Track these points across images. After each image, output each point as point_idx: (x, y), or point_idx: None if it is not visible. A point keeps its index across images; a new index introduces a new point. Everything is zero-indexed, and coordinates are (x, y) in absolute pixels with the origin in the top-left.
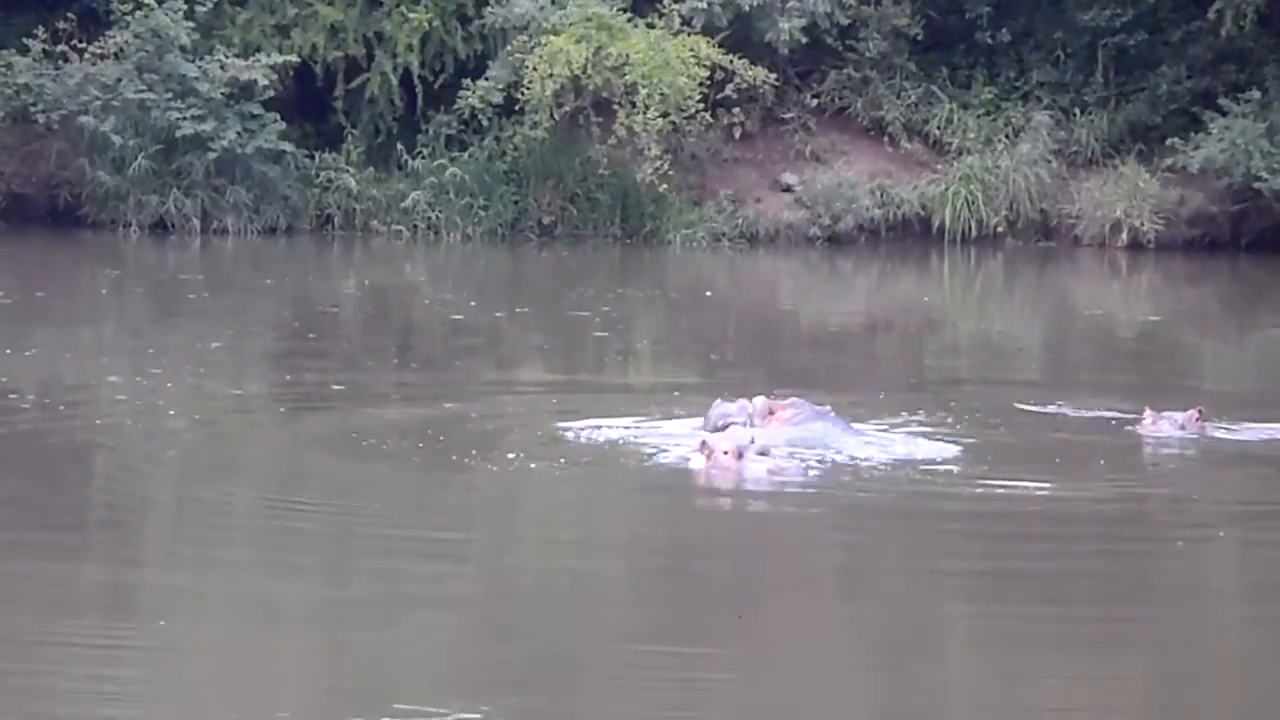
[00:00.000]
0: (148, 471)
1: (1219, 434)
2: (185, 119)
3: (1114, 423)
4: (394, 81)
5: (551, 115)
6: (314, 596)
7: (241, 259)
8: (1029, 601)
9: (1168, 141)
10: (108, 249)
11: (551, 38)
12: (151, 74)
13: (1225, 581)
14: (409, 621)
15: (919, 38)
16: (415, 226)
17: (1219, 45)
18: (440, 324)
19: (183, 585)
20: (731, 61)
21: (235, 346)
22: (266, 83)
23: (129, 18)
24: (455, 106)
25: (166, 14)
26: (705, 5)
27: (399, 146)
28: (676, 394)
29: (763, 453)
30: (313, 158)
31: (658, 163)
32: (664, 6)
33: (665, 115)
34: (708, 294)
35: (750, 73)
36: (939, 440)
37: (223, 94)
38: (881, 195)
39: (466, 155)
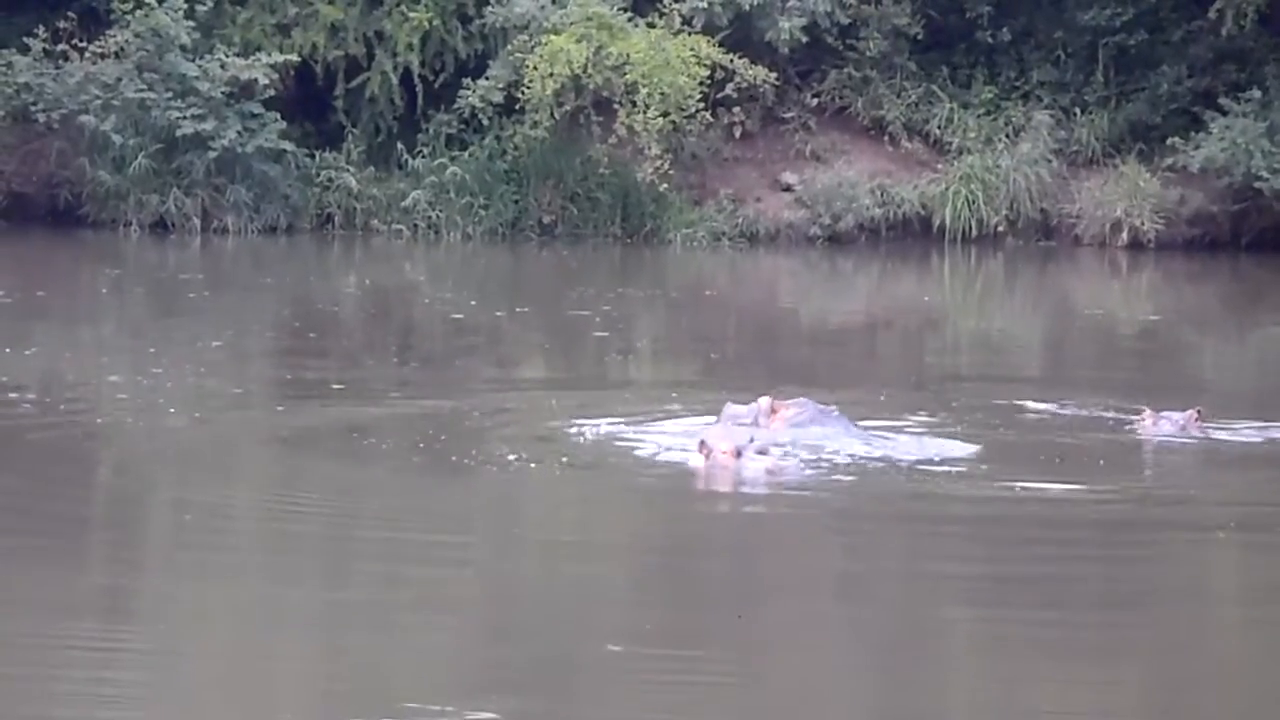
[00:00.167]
0: (148, 471)
1: (1219, 434)
2: (185, 118)
3: (1114, 423)
4: (394, 81)
5: (552, 114)
6: (314, 598)
7: (242, 258)
8: (1028, 604)
9: (1168, 141)
10: (108, 248)
11: (552, 37)
12: (152, 73)
13: (1226, 584)
14: (409, 623)
15: (919, 37)
16: (415, 226)
17: (1219, 45)
18: (440, 323)
19: (183, 587)
20: (732, 61)
21: (235, 345)
22: (267, 82)
23: (129, 17)
24: (455, 106)
25: (167, 13)
26: (705, 5)
27: (399, 146)
28: (675, 395)
29: (761, 452)
30: (313, 157)
31: (658, 162)
32: (664, 6)
33: (665, 114)
34: (709, 293)
35: (750, 72)
36: (939, 440)
37: (223, 93)
38: (882, 195)
39: (467, 154)
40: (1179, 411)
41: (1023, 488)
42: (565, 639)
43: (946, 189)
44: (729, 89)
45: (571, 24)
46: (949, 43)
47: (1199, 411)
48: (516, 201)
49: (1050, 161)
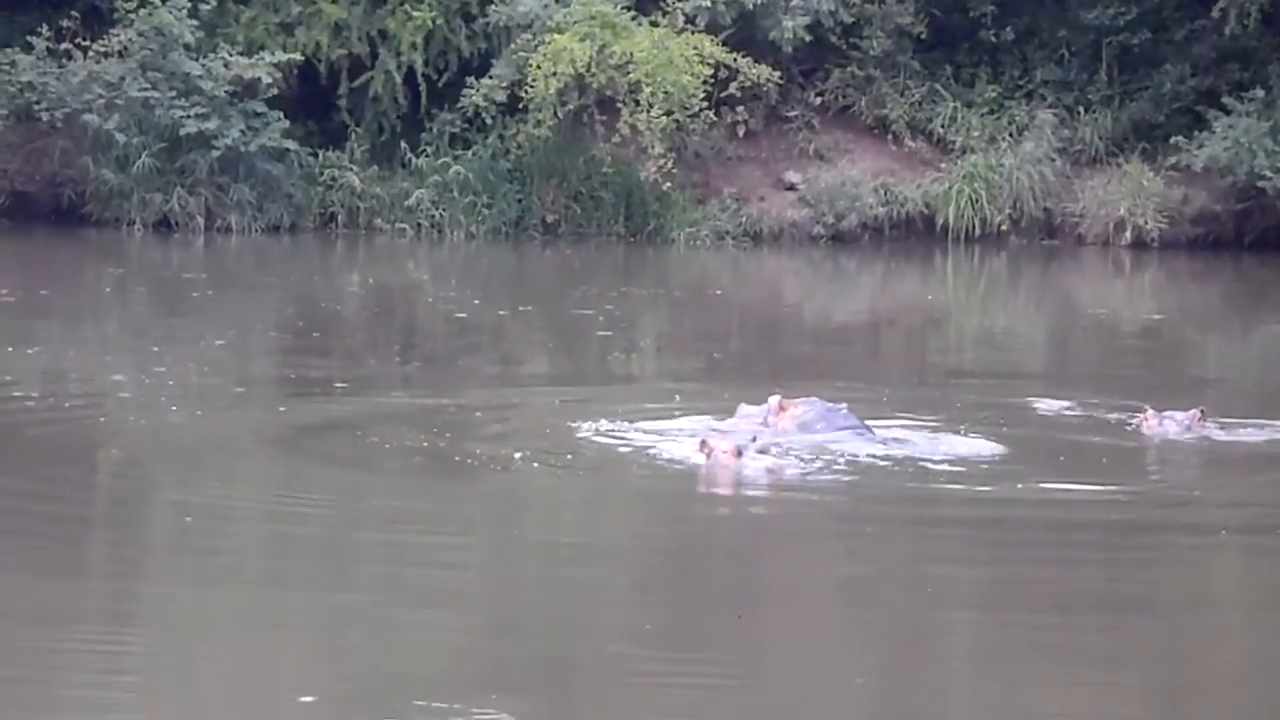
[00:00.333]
0: (150, 470)
1: (1222, 434)
2: (189, 117)
3: (1117, 422)
4: (398, 80)
5: (555, 113)
6: (316, 598)
7: (245, 257)
8: (1030, 606)
9: (1171, 140)
10: (111, 247)
11: (555, 36)
12: (155, 72)
13: (1229, 587)
14: (410, 623)
15: (923, 36)
16: (419, 225)
17: (1223, 44)
18: (444, 322)
19: (184, 587)
20: (735, 60)
21: (238, 344)
22: (270, 81)
23: (133, 16)
24: (459, 105)
25: (170, 12)
26: (709, 3)
27: (403, 145)
28: (678, 395)
29: (763, 451)
30: (316, 156)
31: (661, 161)
32: (668, 5)
33: (669, 113)
34: (716, 292)
35: (754, 71)
36: (942, 439)
37: (226, 92)
38: (885, 193)
39: (470, 153)
40: (1182, 411)
41: (1025, 488)
42: (567, 639)
43: (950, 188)
44: (732, 88)
45: (575, 23)
46: (952, 42)
47: (1202, 411)
48: (520, 200)
49: (1054, 160)
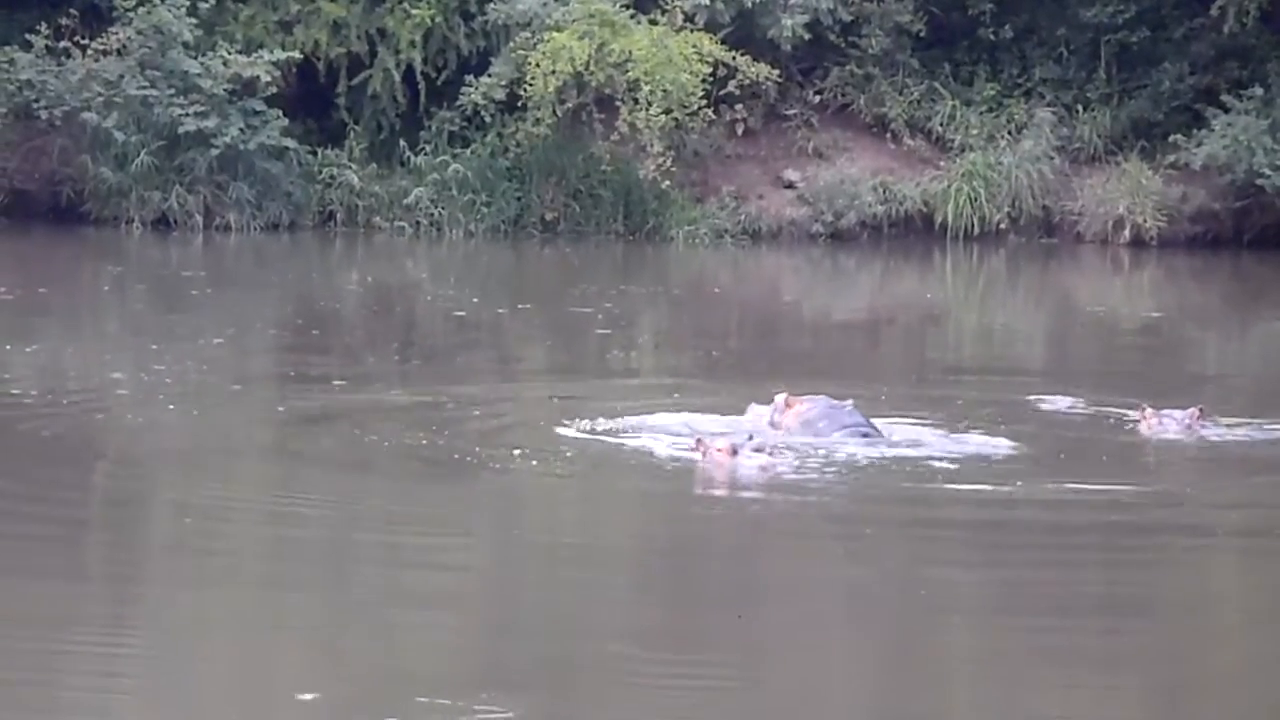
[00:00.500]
0: (148, 469)
1: (1220, 433)
2: (188, 115)
3: (1116, 421)
4: (397, 78)
5: (554, 112)
6: (315, 598)
7: (244, 255)
8: (1028, 607)
9: (1170, 138)
10: (110, 245)
11: (554, 34)
12: (154, 70)
13: (1228, 589)
14: (410, 623)
15: (921, 34)
16: (418, 223)
17: (1221, 42)
18: (443, 320)
19: (182, 587)
20: (734, 58)
21: (237, 342)
22: (269, 79)
23: (132, 14)
24: (458, 103)
25: (169, 10)
26: (708, 2)
27: (401, 143)
28: (676, 393)
29: (758, 450)
30: (315, 154)
31: (660, 159)
32: (667, 3)
33: (668, 112)
34: (715, 290)
35: (753, 69)
36: (941, 438)
37: (225, 90)
38: (884, 192)
39: (469, 152)
40: (1180, 410)
41: (1023, 487)
42: (566, 638)
43: (949, 186)
44: (731, 86)
45: (574, 21)
46: (951, 40)
47: (1200, 410)
48: (519, 199)
49: (1052, 159)
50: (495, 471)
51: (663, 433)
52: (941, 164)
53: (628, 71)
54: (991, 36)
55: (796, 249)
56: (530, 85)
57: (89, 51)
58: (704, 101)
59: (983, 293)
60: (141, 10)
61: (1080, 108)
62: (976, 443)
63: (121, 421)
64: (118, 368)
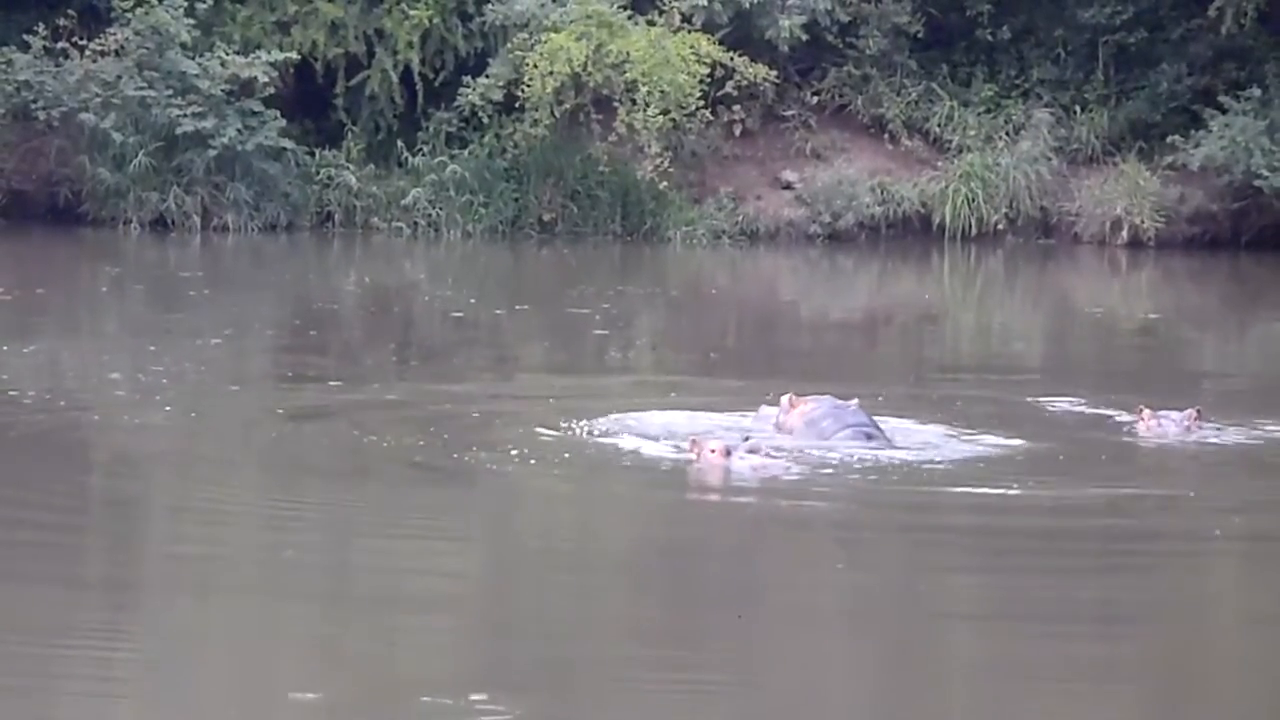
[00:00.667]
0: (144, 470)
1: (1218, 434)
2: (186, 116)
3: (1114, 422)
4: (394, 79)
5: (552, 112)
6: (314, 598)
7: (242, 256)
8: (1025, 612)
9: (1168, 139)
10: (108, 246)
11: (552, 35)
12: (152, 71)
13: (1226, 594)
14: (409, 625)
15: (919, 35)
16: (415, 224)
17: (1219, 43)
18: (440, 321)
19: (179, 588)
20: (732, 59)
21: (235, 343)
22: (267, 80)
23: (129, 15)
24: (456, 104)
25: (167, 11)
26: (706, 2)
27: (399, 144)
28: (673, 394)
29: (753, 451)
30: (313, 155)
31: (658, 160)
32: (664, 4)
33: (665, 112)
34: (713, 291)
35: (750, 70)
36: (938, 439)
37: (223, 91)
38: (882, 193)
39: (467, 152)
40: (1178, 411)
41: (1020, 490)
42: (564, 640)
43: (946, 187)
44: (729, 87)
45: (571, 22)
46: (949, 41)
47: (1198, 411)
48: (516, 199)
49: (1050, 159)
50: (493, 472)
51: (659, 433)
52: (939, 165)
53: (625, 72)
54: (989, 37)
55: (794, 250)
56: (528, 86)
57: (87, 52)
58: (702, 102)
59: (980, 294)
60: (139, 11)
61: (1078, 109)
62: (974, 444)
63: (118, 422)
64: (115, 368)
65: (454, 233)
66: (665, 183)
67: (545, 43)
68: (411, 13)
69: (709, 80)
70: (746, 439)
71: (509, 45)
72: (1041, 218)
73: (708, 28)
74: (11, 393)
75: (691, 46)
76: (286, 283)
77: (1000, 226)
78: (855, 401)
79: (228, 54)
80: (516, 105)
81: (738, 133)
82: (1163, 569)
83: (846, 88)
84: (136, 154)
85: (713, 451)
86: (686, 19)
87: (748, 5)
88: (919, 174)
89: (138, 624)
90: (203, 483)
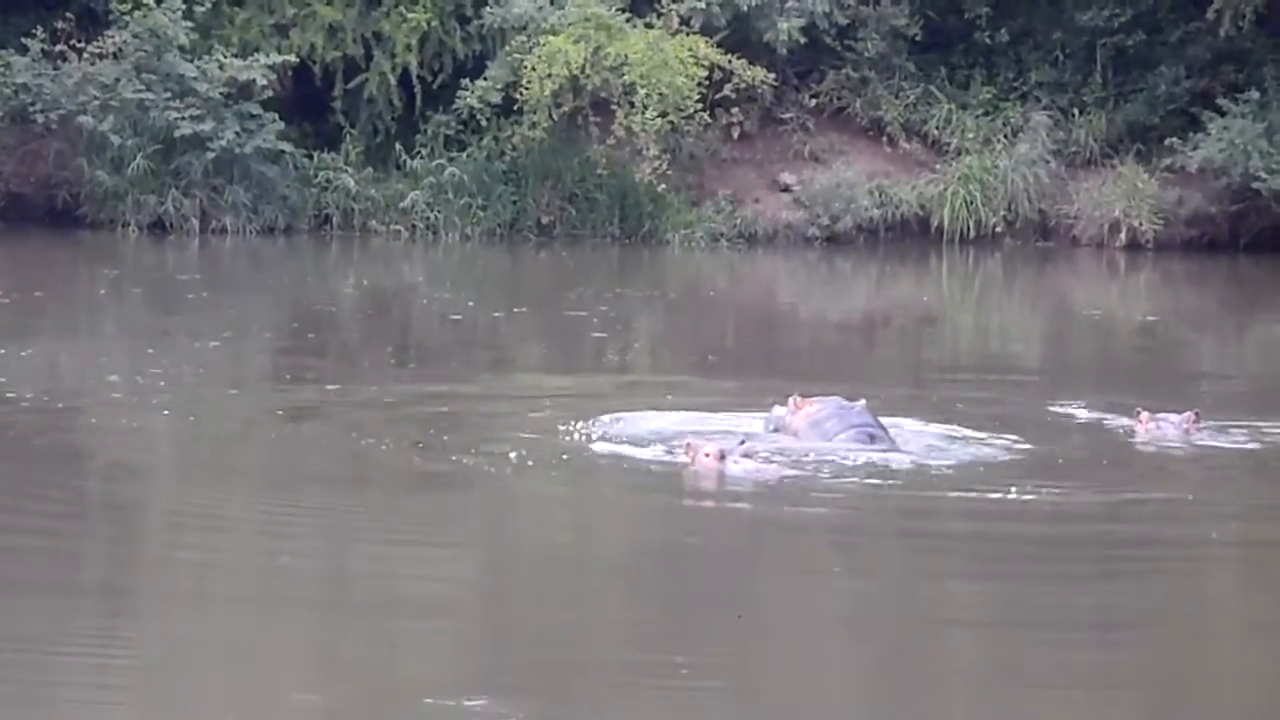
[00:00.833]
0: (143, 473)
1: (1216, 437)
2: (184, 119)
3: (1112, 424)
4: (392, 81)
5: (550, 115)
6: (313, 599)
7: (240, 259)
8: (1025, 619)
9: (1166, 142)
10: (106, 249)
11: (550, 38)
12: (150, 74)
13: (1225, 599)
14: (408, 628)
15: (917, 38)
16: (414, 226)
17: (1217, 45)
18: (438, 324)
19: (178, 590)
20: (730, 61)
21: (233, 346)
22: (265, 83)
23: (127, 18)
24: (454, 106)
25: (165, 14)
26: (704, 5)
27: (397, 146)
28: (670, 396)
29: (748, 455)
30: (311, 158)
31: (656, 163)
32: (662, 6)
33: (664, 115)
34: (711, 294)
35: (749, 73)
36: (939, 441)
37: (221, 94)
38: (880, 195)
39: (465, 155)
40: (1177, 414)
41: (1018, 493)
42: (564, 643)
43: (945, 189)
44: (727, 89)
45: (570, 25)
46: (947, 43)
47: (1196, 414)
48: (515, 202)
49: (1048, 162)
50: (491, 475)
51: (656, 436)
52: (937, 167)
53: (623, 75)
54: (987, 40)
55: (792, 252)
56: (526, 89)
57: (85, 55)
58: (700, 105)
59: (979, 296)
60: (137, 14)
61: (1076, 111)
62: (973, 447)
63: (116, 425)
64: (113, 371)
65: (452, 235)
66: (663, 185)
67: (543, 45)
68: (410, 16)
69: (707, 83)
70: (743, 442)
71: (507, 48)
72: (1040, 220)
73: (706, 30)
74: (9, 395)
75: (690, 49)
76: (285, 285)
77: (999, 229)
78: (862, 402)
79: (226, 57)
80: (515, 108)
81: (736, 135)
82: (1161, 575)
83: (845, 90)
84: (135, 157)
85: (707, 455)
86: (685, 21)
87: (746, 8)
88: (917, 176)
89: (135, 630)
90: (200, 487)
